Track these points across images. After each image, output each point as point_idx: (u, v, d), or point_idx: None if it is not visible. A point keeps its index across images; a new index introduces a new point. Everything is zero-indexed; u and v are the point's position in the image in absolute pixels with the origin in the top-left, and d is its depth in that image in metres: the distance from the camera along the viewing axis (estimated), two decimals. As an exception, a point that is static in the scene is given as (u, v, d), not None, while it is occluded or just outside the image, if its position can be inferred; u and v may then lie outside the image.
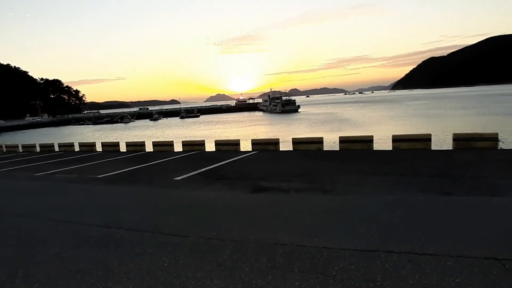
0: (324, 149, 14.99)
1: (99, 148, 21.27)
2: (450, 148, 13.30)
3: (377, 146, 14.46)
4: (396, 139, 13.84)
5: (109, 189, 9.45)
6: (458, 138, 12.98)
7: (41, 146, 23.60)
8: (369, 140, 14.22)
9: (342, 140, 14.67)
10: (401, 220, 5.40)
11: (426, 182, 7.98)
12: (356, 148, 14.10)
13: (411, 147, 13.24)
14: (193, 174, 10.72)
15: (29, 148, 23.99)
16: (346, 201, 6.79)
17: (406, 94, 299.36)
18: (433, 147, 13.48)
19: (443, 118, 57.84)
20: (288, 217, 5.89)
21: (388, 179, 8.54)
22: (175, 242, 4.99)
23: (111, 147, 20.68)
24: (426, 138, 13.36)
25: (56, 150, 22.46)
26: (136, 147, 19.67)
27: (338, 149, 14.61)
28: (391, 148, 13.84)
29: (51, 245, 5.20)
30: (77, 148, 21.96)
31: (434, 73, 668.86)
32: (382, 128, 44.69)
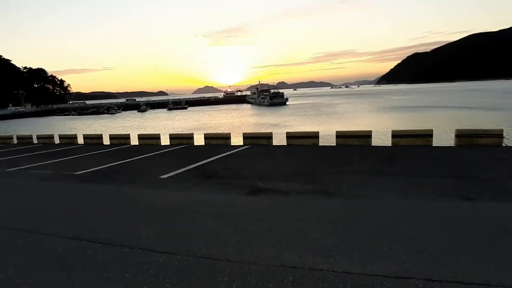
0: (320, 144, 14.17)
1: (81, 140, 20.03)
2: (452, 144, 12.65)
3: (374, 141, 13.71)
4: (395, 135, 13.09)
5: (86, 189, 8.42)
6: (460, 134, 12.31)
7: (18, 138, 22.16)
8: (367, 135, 13.45)
9: (339, 135, 13.86)
10: (427, 233, 4.60)
11: (441, 184, 7.21)
12: (354, 143, 13.31)
13: (411, 143, 12.52)
14: (181, 172, 9.77)
15: (5, 140, 22.49)
16: (356, 208, 5.95)
17: (390, 88, 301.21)
18: (434, 143, 12.79)
19: (426, 111, 57.80)
20: (293, 228, 5.03)
21: (397, 180, 7.76)
22: (159, 263, 4.08)
23: (93, 140, 19.45)
24: (428, 134, 12.65)
25: (34, 143, 21.10)
26: (120, 140, 18.52)
27: (335, 144, 13.80)
28: (390, 144, 13.10)
29: (3, 265, 4.23)
30: (57, 141, 20.65)
31: (417, 68, 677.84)
32: (372, 122, 44.25)
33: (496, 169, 8.45)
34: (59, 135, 21.07)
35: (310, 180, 8.10)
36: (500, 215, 5.25)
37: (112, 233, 5.22)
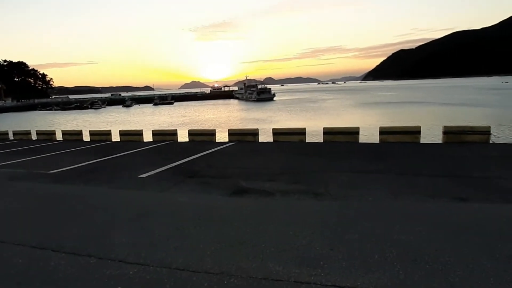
0: (307, 140, 13.85)
1: (59, 136, 19.27)
2: (440, 141, 12.48)
3: (362, 138, 13.46)
4: (383, 131, 12.86)
5: (58, 190, 7.88)
6: (448, 131, 12.16)
7: (-8, 133, 21.29)
8: (354, 132, 13.18)
9: (326, 132, 13.56)
10: (421, 238, 4.29)
11: (431, 183, 6.95)
12: (341, 140, 13.04)
13: (399, 140, 12.32)
14: (162, 170, 9.30)
15: (-21, 136, 21.58)
16: (345, 209, 5.62)
17: (376, 84, 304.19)
18: (421, 140, 12.62)
19: (411, 107, 58.27)
20: (278, 233, 4.67)
21: (386, 178, 7.47)
22: (129, 276, 3.66)
23: (73, 136, 18.73)
24: (415, 131, 12.47)
25: (10, 139, 20.25)
26: (101, 136, 17.87)
27: (322, 141, 13.50)
28: (377, 141, 12.86)
29: (-48, 281, 3.75)
30: (34, 137, 19.85)
31: (403, 65, 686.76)
32: (359, 117, 44.31)
33: (486, 167, 8.25)
34: (36, 131, 20.27)
35: (296, 179, 7.75)
36: (495, 217, 4.99)
37: (80, 240, 4.77)
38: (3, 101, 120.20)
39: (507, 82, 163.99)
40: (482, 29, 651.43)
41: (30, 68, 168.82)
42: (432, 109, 53.20)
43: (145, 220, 5.52)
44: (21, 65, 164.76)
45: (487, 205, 5.54)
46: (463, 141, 11.63)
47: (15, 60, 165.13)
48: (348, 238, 4.43)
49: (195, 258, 4.05)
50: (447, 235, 4.40)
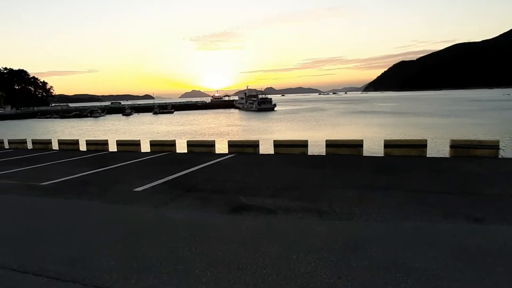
0: (309, 152, 13.47)
1: (56, 146, 18.90)
2: (447, 155, 12.11)
3: (366, 151, 13.07)
4: (388, 145, 12.50)
5: (47, 204, 7.48)
6: (455, 145, 11.79)
7: (-13, 142, 20.90)
8: (358, 144, 12.81)
9: (329, 144, 13.19)
10: (438, 266, 3.90)
11: (441, 201, 6.56)
12: (345, 153, 12.66)
13: (404, 154, 11.94)
14: (158, 184, 8.91)
15: (-26, 144, 21.18)
16: (351, 230, 5.23)
17: (377, 95, 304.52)
18: (427, 153, 12.24)
19: (414, 118, 58.01)
20: (280, 258, 4.28)
21: (395, 195, 7.08)
22: (113, 310, 3.26)
23: (69, 145, 18.37)
24: (422, 145, 12.09)
25: (5, 148, 19.87)
26: (98, 146, 17.51)
27: (324, 153, 13.12)
28: (382, 154, 12.49)
29: None
30: (30, 146, 19.46)
31: (404, 76, 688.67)
32: (361, 129, 43.98)
33: (497, 184, 7.85)
34: (32, 139, 19.89)
35: (299, 195, 7.36)
36: (517, 241, 4.59)
37: (65, 263, 4.37)
38: (3, 109, 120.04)
39: (508, 94, 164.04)
40: (483, 41, 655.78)
41: (31, 76, 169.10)
42: (435, 121, 52.88)
43: (137, 240, 5.12)
44: (22, 73, 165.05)
45: (505, 227, 5.14)
46: (471, 155, 11.26)
47: (15, 67, 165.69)
48: (357, 265, 4.04)
49: (189, 285, 3.65)
50: (466, 262, 4.00)
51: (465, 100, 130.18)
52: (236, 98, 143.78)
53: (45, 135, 43.00)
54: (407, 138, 19.30)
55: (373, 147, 16.86)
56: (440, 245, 4.50)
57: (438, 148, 18.44)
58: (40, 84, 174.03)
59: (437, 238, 4.78)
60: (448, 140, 12.24)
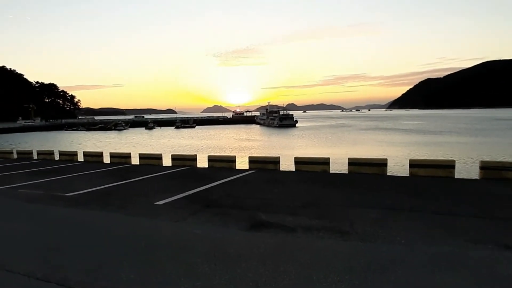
0: (331, 170, 13.27)
1: (81, 157, 19.41)
2: (477, 177, 11.65)
3: (390, 169, 12.74)
4: (413, 164, 12.12)
5: (71, 215, 7.64)
6: (486, 167, 11.31)
7: (18, 153, 21.70)
8: (382, 163, 12.50)
9: (351, 162, 12.94)
10: (468, 296, 3.70)
11: (471, 225, 6.28)
12: (367, 172, 12.37)
13: (431, 174, 11.54)
14: (179, 198, 8.95)
15: (5, 154, 22.00)
16: (374, 253, 5.05)
17: (402, 113, 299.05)
18: (456, 175, 11.79)
19: (441, 138, 56.55)
20: (299, 278, 4.18)
21: (419, 218, 6.83)
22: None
23: (93, 158, 18.83)
24: (449, 165, 11.67)
25: (34, 158, 20.57)
26: (121, 158, 17.85)
27: (346, 171, 12.89)
28: (407, 174, 12.14)
29: None
30: (57, 157, 20.07)
31: (430, 94, 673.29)
32: (384, 147, 43.20)
33: (531, 208, 7.47)
34: (59, 151, 20.49)
35: (319, 213, 7.23)
36: (554, 273, 4.31)
37: (87, 273, 4.41)
38: (33, 120, 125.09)
39: None
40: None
41: (60, 89, 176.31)
42: (463, 140, 51.39)
43: (157, 253, 5.13)
44: (52, 87, 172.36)
45: (540, 256, 4.84)
46: (503, 177, 10.78)
47: (46, 81, 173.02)
48: (382, 290, 3.88)
49: (207, 306, 3.59)
50: (499, 293, 3.78)
51: (494, 119, 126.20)
52: (258, 114, 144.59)
53: (71, 147, 44.31)
54: (434, 158, 18.63)
55: (398, 166, 16.45)
56: (469, 273, 4.28)
57: (466, 169, 17.79)
58: (69, 97, 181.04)
59: (464, 264, 4.55)
60: (478, 161, 11.78)
